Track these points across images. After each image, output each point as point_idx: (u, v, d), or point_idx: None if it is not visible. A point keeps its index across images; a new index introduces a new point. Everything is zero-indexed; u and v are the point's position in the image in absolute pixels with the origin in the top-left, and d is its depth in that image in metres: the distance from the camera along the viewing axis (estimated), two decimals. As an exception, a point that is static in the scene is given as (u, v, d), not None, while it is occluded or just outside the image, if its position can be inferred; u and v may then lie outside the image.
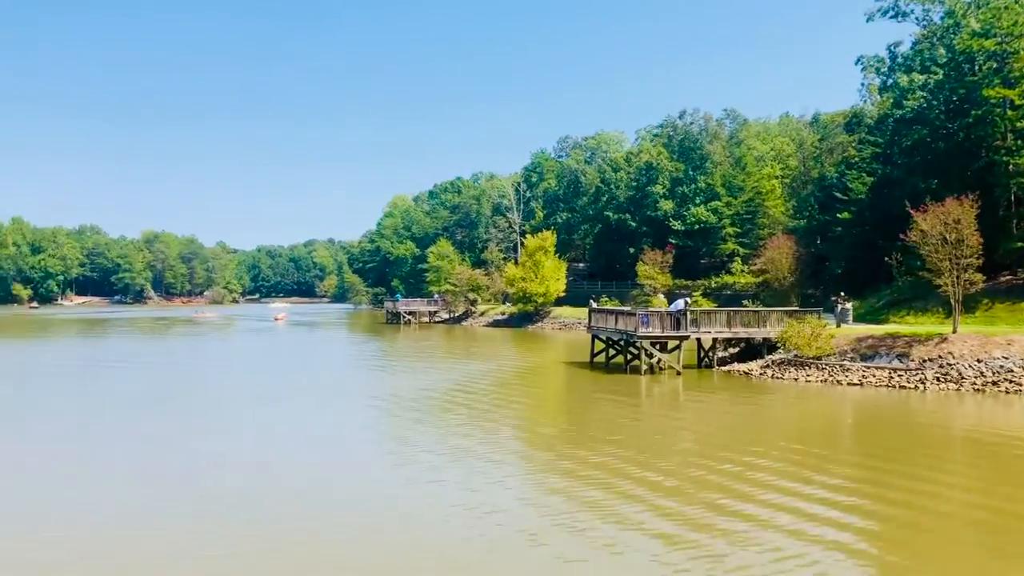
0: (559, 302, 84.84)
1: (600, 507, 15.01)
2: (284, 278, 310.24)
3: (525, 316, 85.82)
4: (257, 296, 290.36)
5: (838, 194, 60.39)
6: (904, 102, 54.46)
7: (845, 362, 33.74)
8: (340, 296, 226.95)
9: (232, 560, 12.42)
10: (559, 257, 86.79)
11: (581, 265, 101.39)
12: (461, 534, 13.63)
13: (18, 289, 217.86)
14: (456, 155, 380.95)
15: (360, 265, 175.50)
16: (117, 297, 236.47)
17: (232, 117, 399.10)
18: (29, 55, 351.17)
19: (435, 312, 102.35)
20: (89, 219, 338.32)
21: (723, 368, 38.64)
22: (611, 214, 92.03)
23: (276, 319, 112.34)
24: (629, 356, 39.44)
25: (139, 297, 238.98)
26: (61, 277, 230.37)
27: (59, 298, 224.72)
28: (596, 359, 42.53)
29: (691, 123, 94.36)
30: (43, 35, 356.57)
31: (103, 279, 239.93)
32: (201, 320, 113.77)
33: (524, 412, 28.27)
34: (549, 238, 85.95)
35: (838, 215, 59.43)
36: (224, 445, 21.54)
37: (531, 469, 18.86)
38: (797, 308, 44.34)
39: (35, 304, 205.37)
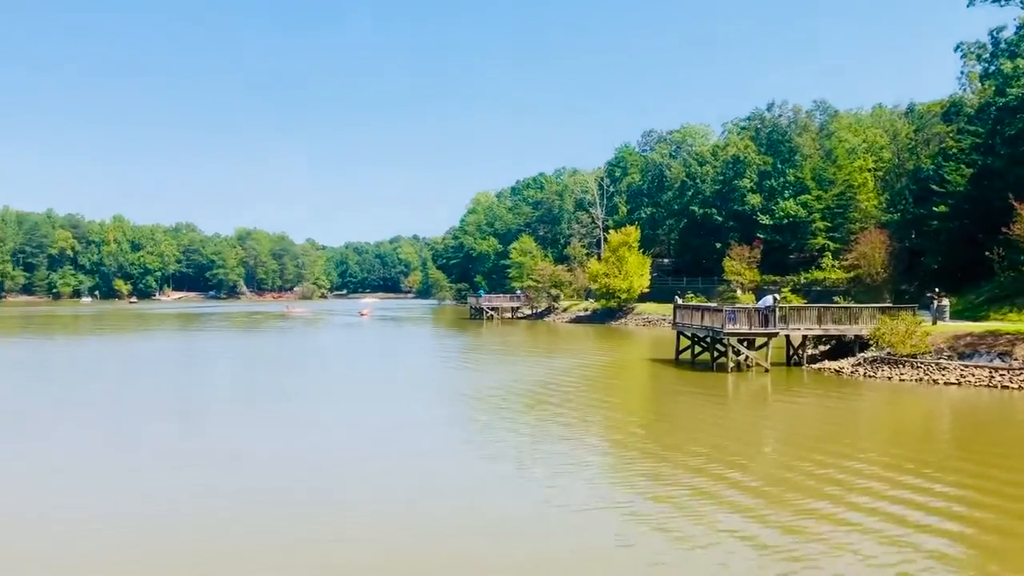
0: (643, 298, 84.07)
1: (691, 507, 14.85)
2: (370, 274, 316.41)
3: (608, 312, 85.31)
4: (344, 292, 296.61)
5: (934, 186, 58.19)
6: (1007, 89, 52.09)
7: (942, 360, 32.56)
8: (424, 292, 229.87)
9: (325, 555, 12.77)
10: (643, 252, 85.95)
11: (666, 261, 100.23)
12: (552, 532, 13.59)
13: (119, 285, 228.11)
14: (539, 151, 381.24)
15: (444, 261, 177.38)
16: (212, 292, 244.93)
17: (320, 118, 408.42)
18: (120, 60, 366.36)
19: (517, 308, 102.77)
20: (185, 217, 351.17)
21: (813, 366, 37.73)
22: (697, 208, 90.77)
23: (361, 314, 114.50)
24: (716, 353, 38.88)
25: (232, 292, 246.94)
26: (159, 273, 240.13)
27: (157, 293, 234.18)
28: (682, 356, 42.05)
29: (779, 115, 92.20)
30: (130, 40, 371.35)
31: (198, 275, 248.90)
32: (292, 315, 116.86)
33: (610, 409, 28.19)
34: (633, 233, 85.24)
35: (934, 208, 57.29)
36: (317, 438, 22.16)
37: (619, 467, 18.83)
38: (890, 304, 42.98)
39: (134, 299, 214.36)
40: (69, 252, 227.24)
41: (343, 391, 31.94)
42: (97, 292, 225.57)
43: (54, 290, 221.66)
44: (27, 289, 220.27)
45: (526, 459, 18.96)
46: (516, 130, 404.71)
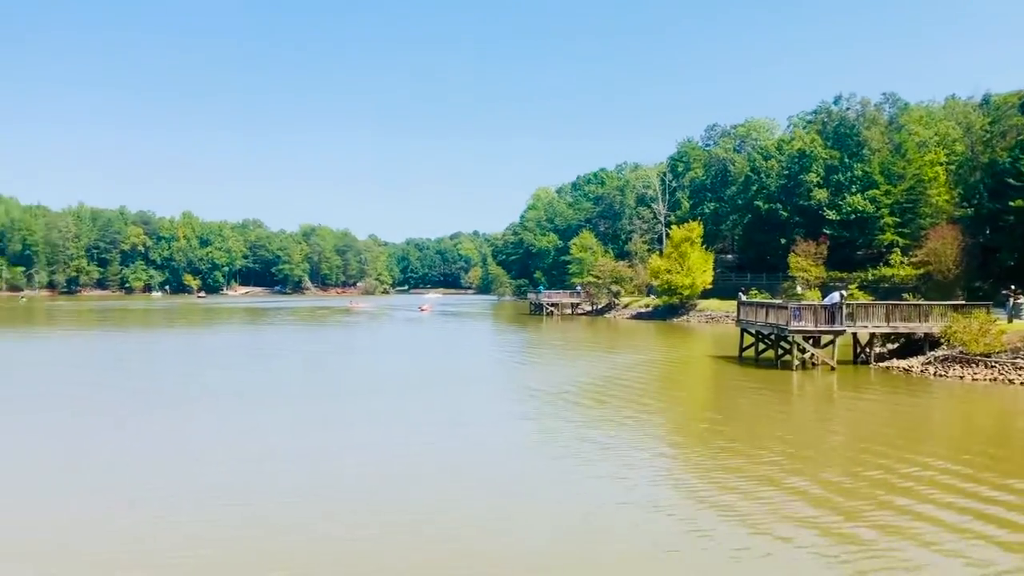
0: (706, 294, 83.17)
1: (766, 503, 14.70)
2: (431, 270, 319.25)
3: (670, 309, 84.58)
4: (406, 287, 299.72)
5: (1011, 180, 56.43)
6: (1088, 80, 50.16)
7: (1018, 360, 31.56)
8: (484, 287, 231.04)
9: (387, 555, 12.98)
10: (706, 248, 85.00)
11: (729, 256, 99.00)
12: (626, 528, 13.46)
13: (188, 279, 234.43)
14: (599, 146, 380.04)
15: (504, 257, 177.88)
16: (277, 287, 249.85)
17: (381, 115, 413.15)
18: (184, 60, 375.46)
19: (577, 304, 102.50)
20: (251, 214, 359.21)
21: (880, 364, 36.97)
22: (761, 204, 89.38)
23: (421, 310, 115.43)
24: (780, 351, 38.34)
25: (297, 287, 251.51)
26: (226, 268, 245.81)
27: (225, 288, 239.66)
28: (745, 353, 41.57)
29: (847, 108, 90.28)
30: (199, 42, 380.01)
31: (264, 270, 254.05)
32: (356, 310, 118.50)
33: (676, 405, 28.09)
34: (696, 229, 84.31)
35: (1011, 203, 55.59)
36: (378, 434, 22.47)
37: (685, 464, 18.71)
38: (963, 302, 41.80)
39: (203, 294, 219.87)
40: (140, 248, 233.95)
41: (408, 386, 32.26)
42: (167, 287, 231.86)
43: (126, 284, 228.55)
44: (101, 283, 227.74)
45: (594, 455, 18.95)
46: (576, 125, 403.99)
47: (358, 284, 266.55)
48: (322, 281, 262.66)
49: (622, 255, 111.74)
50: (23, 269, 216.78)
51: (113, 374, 36.39)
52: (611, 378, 33.76)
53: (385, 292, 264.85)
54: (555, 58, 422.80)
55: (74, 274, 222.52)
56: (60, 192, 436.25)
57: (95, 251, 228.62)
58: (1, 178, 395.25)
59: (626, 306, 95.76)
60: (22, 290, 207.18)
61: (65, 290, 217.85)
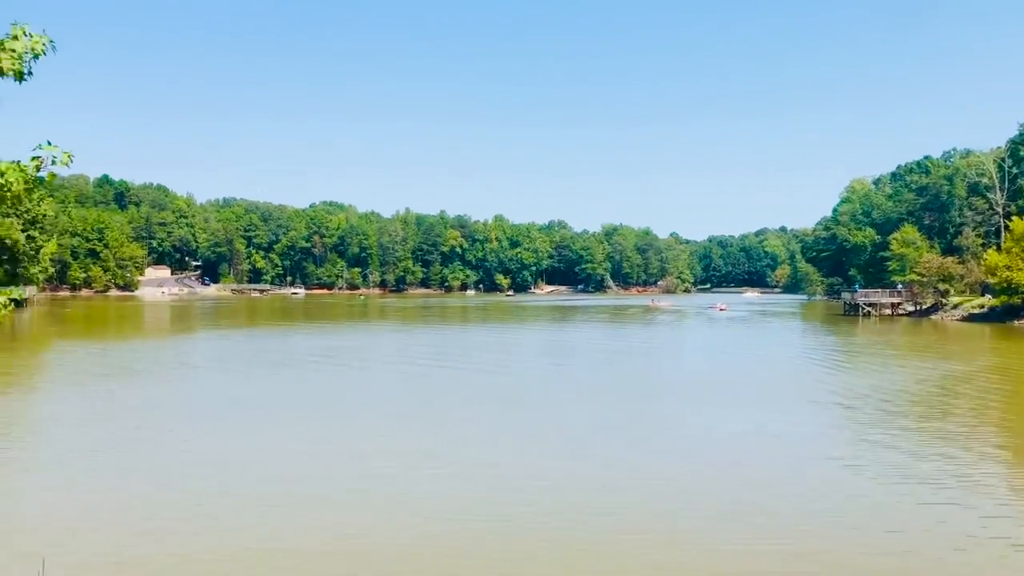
0: (1055, 294, 73.15)
1: None
2: (735, 268, 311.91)
3: (1009, 310, 75.43)
4: (708, 285, 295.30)
5: None
6: None
7: None
8: (792, 286, 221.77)
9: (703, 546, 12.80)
10: (1056, 242, 74.79)
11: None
12: (944, 549, 12.41)
13: (499, 279, 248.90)
14: (923, 132, 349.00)
15: (814, 254, 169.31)
16: (580, 286, 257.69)
17: (684, 111, 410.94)
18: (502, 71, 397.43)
19: (898, 304, 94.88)
20: (556, 215, 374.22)
21: None
22: None
23: (720, 309, 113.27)
24: None
25: (599, 286, 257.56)
26: (533, 268, 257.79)
27: (532, 287, 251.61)
28: (1110, 364, 35.95)
29: None
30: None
31: (568, 269, 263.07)
32: (657, 309, 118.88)
33: (1011, 423, 24.89)
34: (1042, 220, 74.54)
35: None
36: (688, 432, 22.45)
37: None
38: None
39: (511, 292, 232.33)
40: (458, 249, 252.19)
41: (711, 389, 31.75)
42: (480, 285, 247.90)
43: (446, 283, 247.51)
44: (424, 282, 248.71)
45: (931, 479, 17.22)
46: (895, 111, 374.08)
47: (659, 283, 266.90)
48: (623, 280, 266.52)
49: (950, 250, 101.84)
50: (359, 270, 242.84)
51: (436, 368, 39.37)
52: (943, 389, 30.88)
53: (686, 291, 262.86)
54: (869, 30, 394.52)
55: (402, 274, 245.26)
56: (389, 199, 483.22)
57: (419, 253, 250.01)
58: (341, 188, 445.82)
59: (955, 307, 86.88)
60: (359, 288, 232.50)
61: (394, 288, 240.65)
